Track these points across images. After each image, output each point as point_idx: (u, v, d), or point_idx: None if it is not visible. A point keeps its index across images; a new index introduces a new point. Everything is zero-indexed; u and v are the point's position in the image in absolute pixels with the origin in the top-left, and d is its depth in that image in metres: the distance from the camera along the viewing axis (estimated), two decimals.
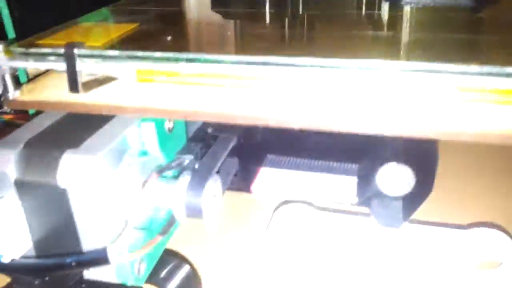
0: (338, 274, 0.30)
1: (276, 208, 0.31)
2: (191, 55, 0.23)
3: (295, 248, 0.31)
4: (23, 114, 0.42)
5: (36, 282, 0.24)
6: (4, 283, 0.25)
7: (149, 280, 0.25)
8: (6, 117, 0.42)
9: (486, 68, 0.20)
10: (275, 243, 0.31)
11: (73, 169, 0.21)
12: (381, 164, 0.25)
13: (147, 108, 0.22)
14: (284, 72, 0.22)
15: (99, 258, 0.21)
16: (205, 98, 0.23)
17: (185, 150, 0.27)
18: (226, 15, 0.36)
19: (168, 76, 0.23)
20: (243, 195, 0.29)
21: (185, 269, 0.26)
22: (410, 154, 0.25)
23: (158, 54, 0.23)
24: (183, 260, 0.26)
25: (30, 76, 0.27)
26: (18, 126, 0.24)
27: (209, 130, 0.29)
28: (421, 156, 0.26)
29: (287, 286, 0.29)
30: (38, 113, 0.26)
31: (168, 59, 0.23)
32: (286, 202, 0.31)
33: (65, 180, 0.21)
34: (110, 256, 0.21)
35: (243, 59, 0.22)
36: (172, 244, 0.26)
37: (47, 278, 0.24)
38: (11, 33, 0.36)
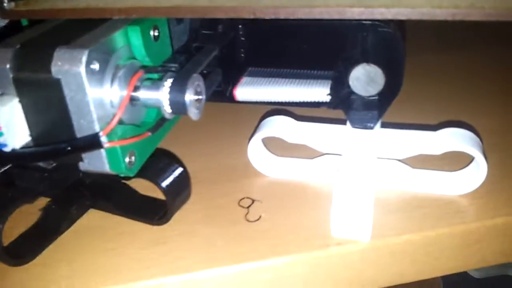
0: (316, 176, 0.32)
1: (260, 120, 0.33)
2: None
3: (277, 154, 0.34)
4: None
5: (37, 175, 0.27)
6: None
7: (143, 175, 0.27)
8: None
9: None
10: (259, 151, 0.33)
11: (65, 61, 0.23)
12: (352, 65, 0.27)
13: (130, 8, 0.24)
14: None
15: (92, 142, 0.23)
16: None
17: (171, 60, 0.29)
18: None
19: None
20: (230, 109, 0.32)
21: (176, 168, 0.28)
22: (379, 54, 0.27)
23: None
24: (174, 160, 0.28)
25: None
26: None
27: (194, 44, 0.31)
28: (390, 55, 0.27)
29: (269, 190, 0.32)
30: None
31: None
32: (268, 114, 0.33)
33: (59, 71, 0.23)
34: (102, 139, 0.23)
35: None
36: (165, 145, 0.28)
37: (46, 174, 0.27)
38: None
